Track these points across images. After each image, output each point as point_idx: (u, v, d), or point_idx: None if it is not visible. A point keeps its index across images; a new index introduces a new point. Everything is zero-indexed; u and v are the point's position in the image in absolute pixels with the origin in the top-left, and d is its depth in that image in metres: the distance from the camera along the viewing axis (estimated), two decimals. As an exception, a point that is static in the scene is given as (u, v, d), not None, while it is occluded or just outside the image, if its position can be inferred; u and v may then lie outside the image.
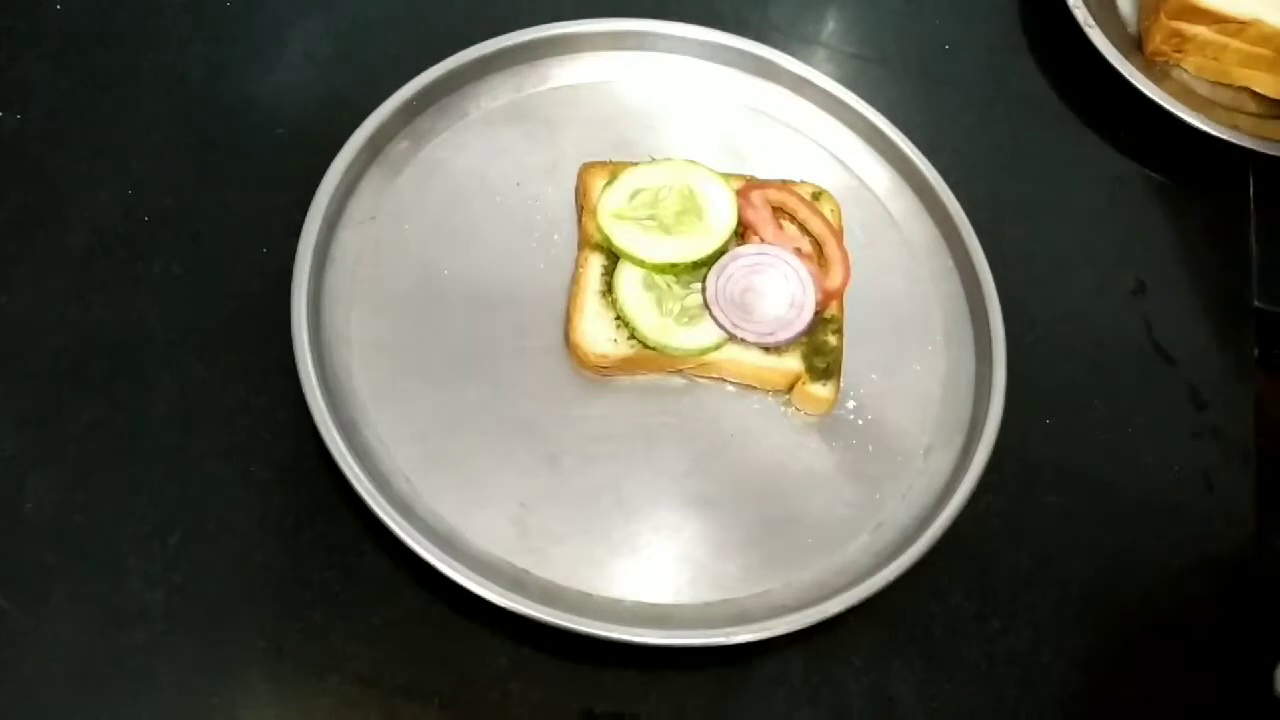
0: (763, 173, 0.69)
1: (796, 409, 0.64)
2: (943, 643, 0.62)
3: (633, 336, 0.62)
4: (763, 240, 0.65)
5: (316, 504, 0.58)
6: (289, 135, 0.69)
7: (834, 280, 0.65)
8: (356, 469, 0.56)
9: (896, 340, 0.68)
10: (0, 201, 0.63)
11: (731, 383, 0.65)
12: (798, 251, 0.65)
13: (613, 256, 0.64)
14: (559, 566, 0.58)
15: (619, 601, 0.57)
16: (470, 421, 0.61)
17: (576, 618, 0.55)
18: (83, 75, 0.68)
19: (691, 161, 0.67)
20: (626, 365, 0.63)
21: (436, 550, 0.55)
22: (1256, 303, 0.76)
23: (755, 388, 0.65)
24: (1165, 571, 0.66)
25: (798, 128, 0.74)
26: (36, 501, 0.56)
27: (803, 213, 0.67)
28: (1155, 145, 0.80)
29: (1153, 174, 0.80)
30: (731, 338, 0.63)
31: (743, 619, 0.57)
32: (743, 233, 0.66)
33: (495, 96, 0.70)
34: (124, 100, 0.68)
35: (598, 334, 0.62)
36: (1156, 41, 0.82)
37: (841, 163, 0.73)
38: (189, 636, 0.55)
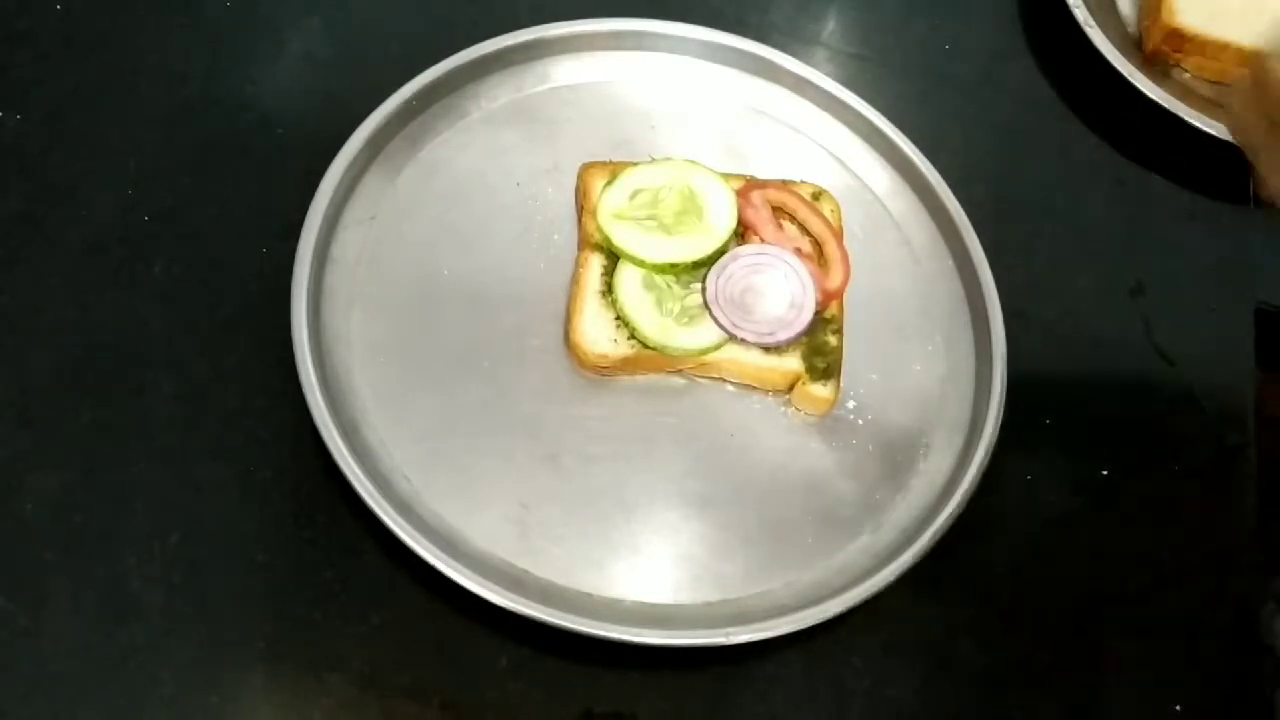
0: (763, 173, 0.69)
1: (796, 409, 0.64)
2: (943, 643, 0.62)
3: (633, 336, 0.62)
4: (763, 240, 0.65)
5: (316, 504, 0.58)
6: (289, 135, 0.68)
7: (834, 280, 0.65)
8: (356, 469, 0.56)
9: (896, 340, 0.68)
10: (0, 201, 0.63)
11: (731, 383, 0.65)
12: (798, 251, 0.65)
13: (613, 256, 0.64)
14: (559, 566, 0.58)
15: (619, 601, 0.57)
16: (470, 421, 0.61)
17: (576, 618, 0.55)
18: (83, 75, 0.68)
19: (691, 161, 0.67)
20: (626, 365, 0.63)
21: (436, 550, 0.55)
22: (1256, 303, 0.76)
23: (755, 388, 0.65)
24: (1165, 571, 0.66)
25: (798, 128, 0.74)
26: (36, 501, 0.56)
27: (803, 213, 0.67)
28: (1155, 145, 0.80)
29: (1153, 174, 0.80)
30: (731, 338, 0.63)
31: (743, 619, 0.57)
32: (743, 233, 0.66)
33: (495, 96, 0.70)
34: (124, 100, 0.68)
35: (598, 334, 0.62)
36: (1156, 41, 0.82)
37: (841, 163, 0.73)
38: (189, 636, 0.55)
